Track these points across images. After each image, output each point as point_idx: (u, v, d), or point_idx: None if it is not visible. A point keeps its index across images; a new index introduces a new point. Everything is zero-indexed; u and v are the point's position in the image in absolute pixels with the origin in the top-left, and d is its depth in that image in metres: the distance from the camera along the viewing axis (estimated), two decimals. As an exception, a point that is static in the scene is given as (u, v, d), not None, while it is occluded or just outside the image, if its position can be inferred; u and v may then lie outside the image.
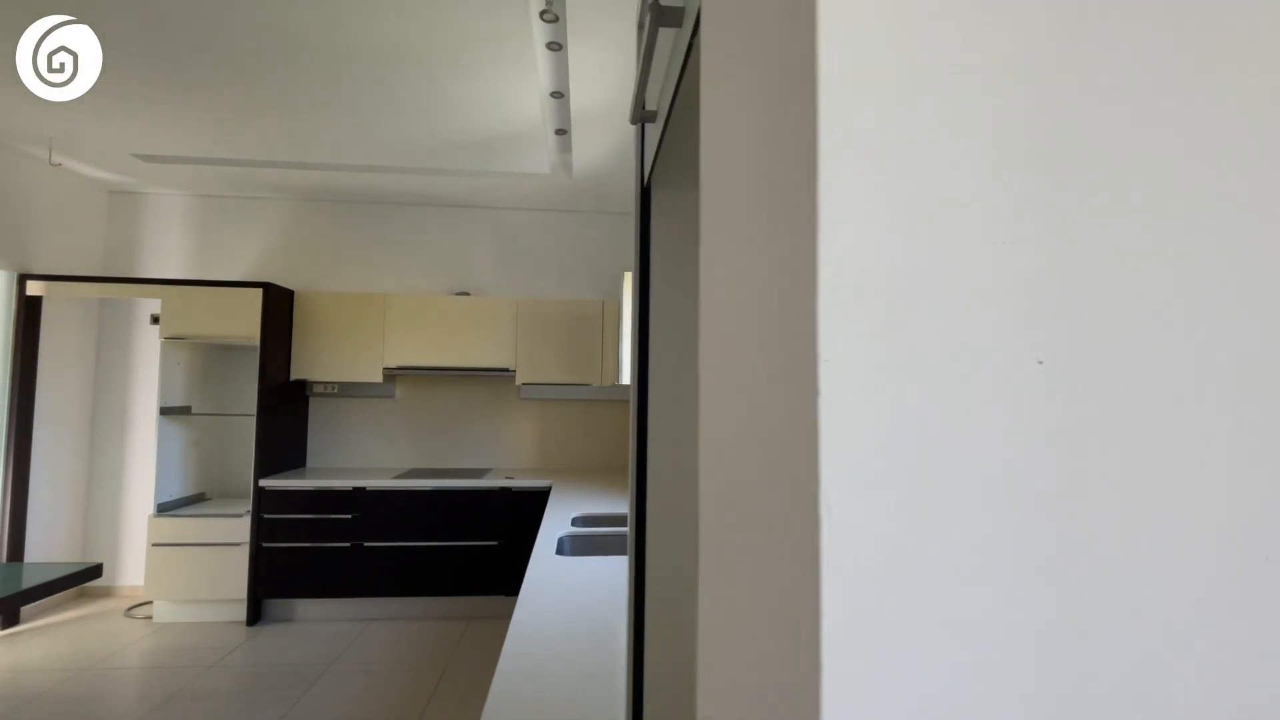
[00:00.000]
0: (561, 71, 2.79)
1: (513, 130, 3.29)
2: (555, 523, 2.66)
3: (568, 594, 1.71)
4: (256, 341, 3.79)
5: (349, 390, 4.32)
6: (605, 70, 2.58)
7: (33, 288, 3.66)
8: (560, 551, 2.37)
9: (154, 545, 3.62)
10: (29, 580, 2.23)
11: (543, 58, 2.62)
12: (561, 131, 3.44)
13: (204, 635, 3.54)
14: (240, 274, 4.34)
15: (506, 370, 4.16)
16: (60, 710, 2.72)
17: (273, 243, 4.42)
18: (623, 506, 3.07)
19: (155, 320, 4.22)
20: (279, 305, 3.92)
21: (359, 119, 3.17)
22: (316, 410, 4.35)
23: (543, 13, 2.28)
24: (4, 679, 2.98)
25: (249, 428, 4.14)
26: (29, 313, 3.66)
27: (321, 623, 3.74)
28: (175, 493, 3.83)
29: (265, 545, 3.69)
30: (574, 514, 2.83)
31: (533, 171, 3.84)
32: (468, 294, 4.41)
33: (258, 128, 3.29)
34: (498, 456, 4.45)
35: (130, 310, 4.24)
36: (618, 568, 1.95)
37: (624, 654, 1.28)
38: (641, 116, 0.88)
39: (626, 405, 4.54)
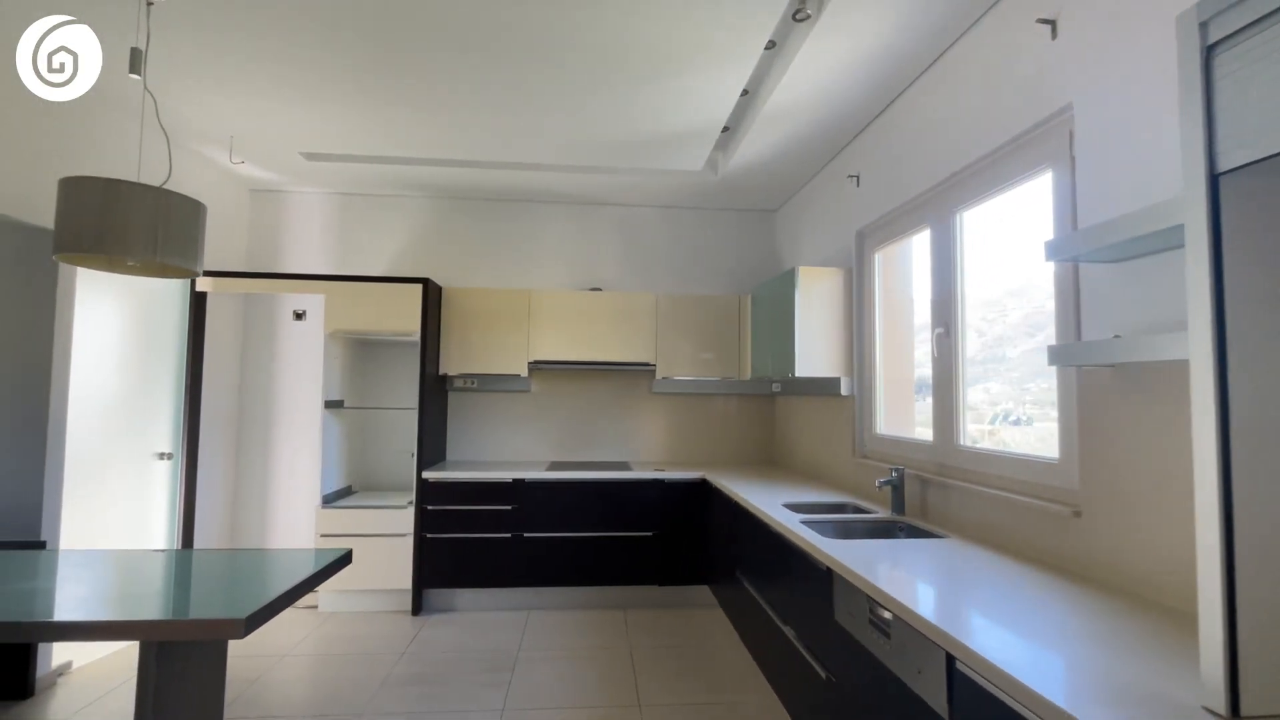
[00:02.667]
0: (761, 69, 2.87)
1: (687, 128, 3.36)
2: (768, 508, 2.71)
3: (950, 580, 1.77)
4: (413, 336, 3.86)
5: (487, 384, 4.39)
6: (830, 68, 2.64)
7: (201, 283, 3.73)
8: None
9: (322, 536, 3.68)
10: (284, 567, 2.28)
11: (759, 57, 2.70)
12: (727, 129, 3.52)
13: (375, 624, 3.60)
14: (379, 270, 4.41)
15: (647, 365, 4.23)
16: (288, 693, 2.79)
17: (410, 239, 4.49)
18: (820, 496, 3.14)
19: (299, 316, 4.30)
20: (433, 300, 3.99)
21: (533, 116, 3.23)
22: (456, 404, 4.42)
23: (796, 13, 2.36)
24: (212, 665, 3.04)
25: (393, 421, 4.22)
26: (197, 308, 3.72)
27: (484, 611, 3.80)
28: (331, 486, 3.89)
29: (429, 536, 3.76)
30: (781, 501, 2.90)
31: (684, 168, 3.92)
32: (599, 289, 4.48)
33: (429, 125, 3.34)
34: (632, 449, 4.52)
35: (273, 307, 4.30)
36: (936, 548, 2.03)
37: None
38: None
39: (761, 399, 4.62)
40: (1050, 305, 2.01)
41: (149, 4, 2.16)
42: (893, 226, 2.99)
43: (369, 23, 2.43)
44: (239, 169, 3.98)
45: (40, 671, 2.78)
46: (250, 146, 3.63)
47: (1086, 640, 1.30)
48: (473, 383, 4.36)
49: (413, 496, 3.79)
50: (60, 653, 2.91)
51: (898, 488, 2.61)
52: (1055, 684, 1.08)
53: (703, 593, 3.96)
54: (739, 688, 2.88)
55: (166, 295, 3.62)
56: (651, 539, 3.89)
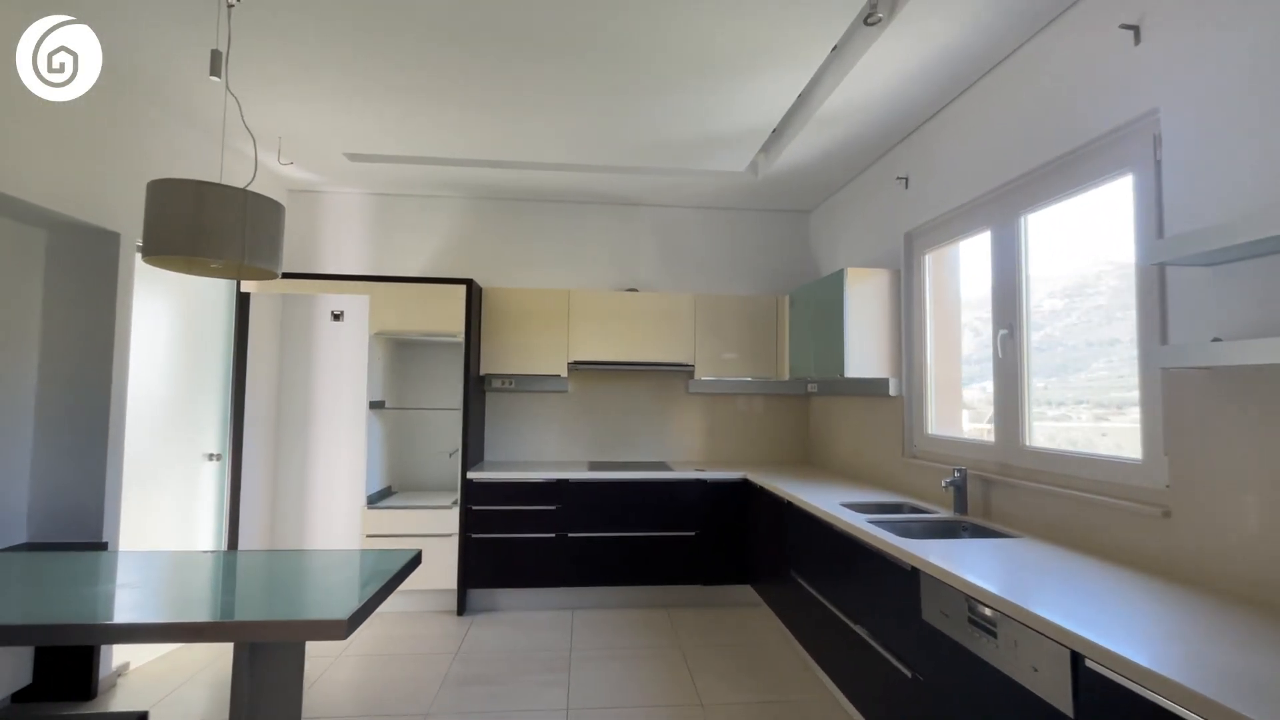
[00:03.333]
0: (818, 71, 2.88)
1: (738, 130, 3.37)
2: (830, 509, 2.73)
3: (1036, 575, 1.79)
4: (456, 337, 3.87)
5: (524, 384, 4.40)
6: (893, 71, 2.66)
7: (246, 284, 3.72)
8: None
9: (368, 536, 3.69)
10: (363, 568, 2.28)
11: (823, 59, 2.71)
12: (776, 131, 3.54)
13: (422, 625, 3.61)
14: (414, 270, 4.41)
15: (685, 365, 4.25)
16: (351, 694, 2.80)
17: (445, 239, 4.49)
18: (872, 496, 3.17)
19: (337, 317, 4.30)
20: (475, 300, 4.00)
21: (588, 118, 3.24)
22: (493, 404, 4.43)
23: (868, 17, 2.38)
24: (268, 666, 3.05)
25: (431, 421, 4.23)
26: (241, 309, 3.72)
27: (527, 611, 3.82)
28: (373, 486, 3.90)
29: (474, 536, 3.77)
30: (838, 501, 2.92)
31: (727, 170, 3.93)
32: (635, 290, 4.49)
33: (478, 127, 3.34)
34: (668, 449, 4.54)
35: (311, 307, 4.30)
36: (1014, 548, 2.06)
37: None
38: None
39: (795, 399, 4.64)
40: (1103, 303, 2.03)
41: (230, 6, 2.16)
42: (947, 229, 3.01)
43: (432, 26, 2.43)
44: (279, 169, 3.98)
45: (102, 673, 2.78)
46: (296, 147, 3.63)
47: (1203, 637, 1.32)
48: (510, 383, 4.37)
49: (456, 496, 3.80)
50: (119, 654, 2.91)
51: (960, 488, 2.63)
52: (1197, 681, 1.10)
53: (744, 592, 3.98)
54: (797, 686, 2.90)
55: (213, 296, 3.62)
56: (694, 538, 3.91)
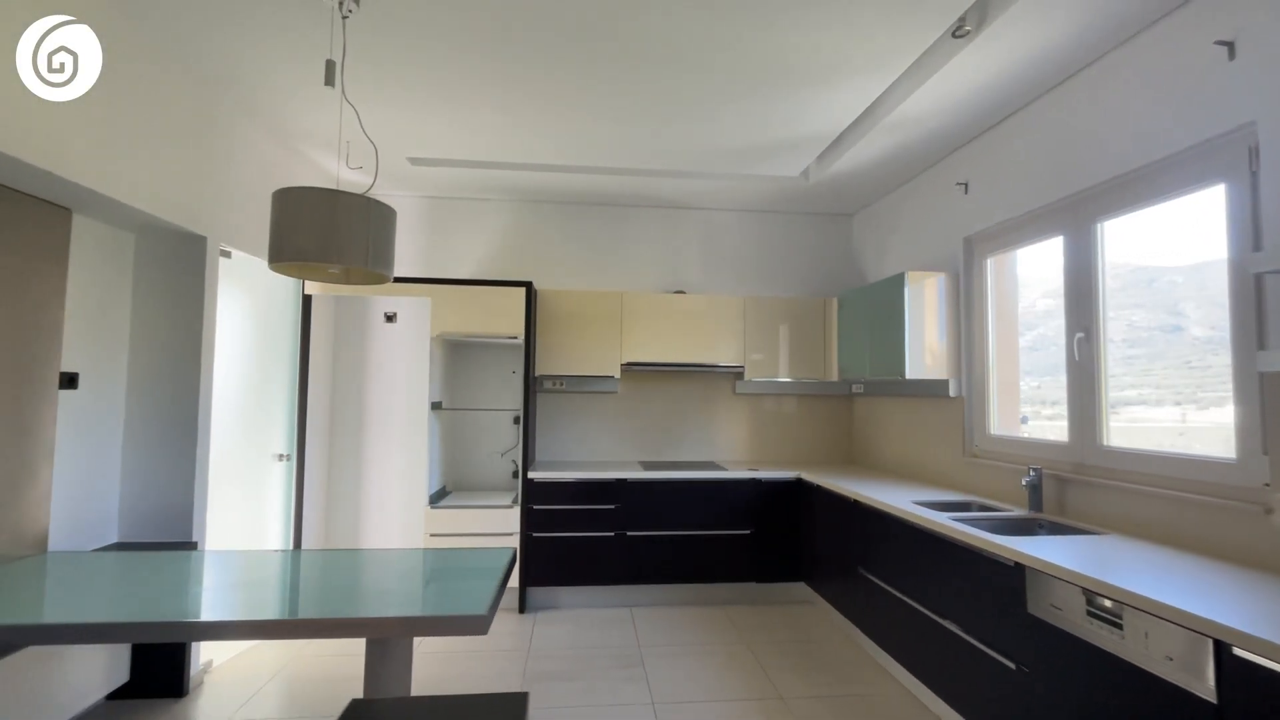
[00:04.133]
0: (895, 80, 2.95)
1: (802, 136, 3.44)
2: (908, 507, 2.80)
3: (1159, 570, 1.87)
4: (516, 338, 3.93)
5: (574, 385, 4.45)
6: (970, 81, 2.73)
7: (309, 285, 3.77)
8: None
9: (431, 535, 3.74)
10: (469, 565, 2.32)
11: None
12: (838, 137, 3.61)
13: (486, 622, 3.66)
14: (466, 272, 4.46)
15: (736, 367, 4.32)
16: (441, 688, 2.85)
17: (495, 243, 4.54)
18: (937, 494, 3.24)
19: (390, 319, 4.34)
20: (533, 303, 4.05)
21: (656, 125, 3.30)
22: (543, 404, 4.48)
23: (956, 30, 2.45)
24: (353, 665, 3.10)
25: (484, 422, 4.29)
26: (304, 311, 3.76)
27: (587, 609, 3.88)
28: (431, 486, 3.95)
29: (535, 535, 3.82)
30: (911, 499, 3.00)
31: (782, 174, 4.00)
32: (683, 292, 4.56)
33: (544, 132, 3.40)
34: (715, 449, 4.61)
35: (365, 309, 4.34)
36: (1110, 545, 2.14)
37: None
38: None
39: (838, 399, 4.71)
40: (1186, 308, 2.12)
41: (344, 17, 2.21)
42: (1015, 234, 3.09)
43: (514, 33, 2.47)
44: (333, 170, 4.02)
45: (191, 670, 2.83)
46: (356, 151, 3.67)
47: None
48: (560, 383, 4.43)
49: (516, 495, 3.85)
50: (205, 651, 2.96)
51: (1035, 486, 2.71)
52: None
53: (798, 589, 4.06)
54: (866, 679, 2.98)
55: (281, 298, 3.66)
56: (748, 537, 3.98)
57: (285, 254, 1.96)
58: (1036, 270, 3.13)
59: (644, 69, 2.73)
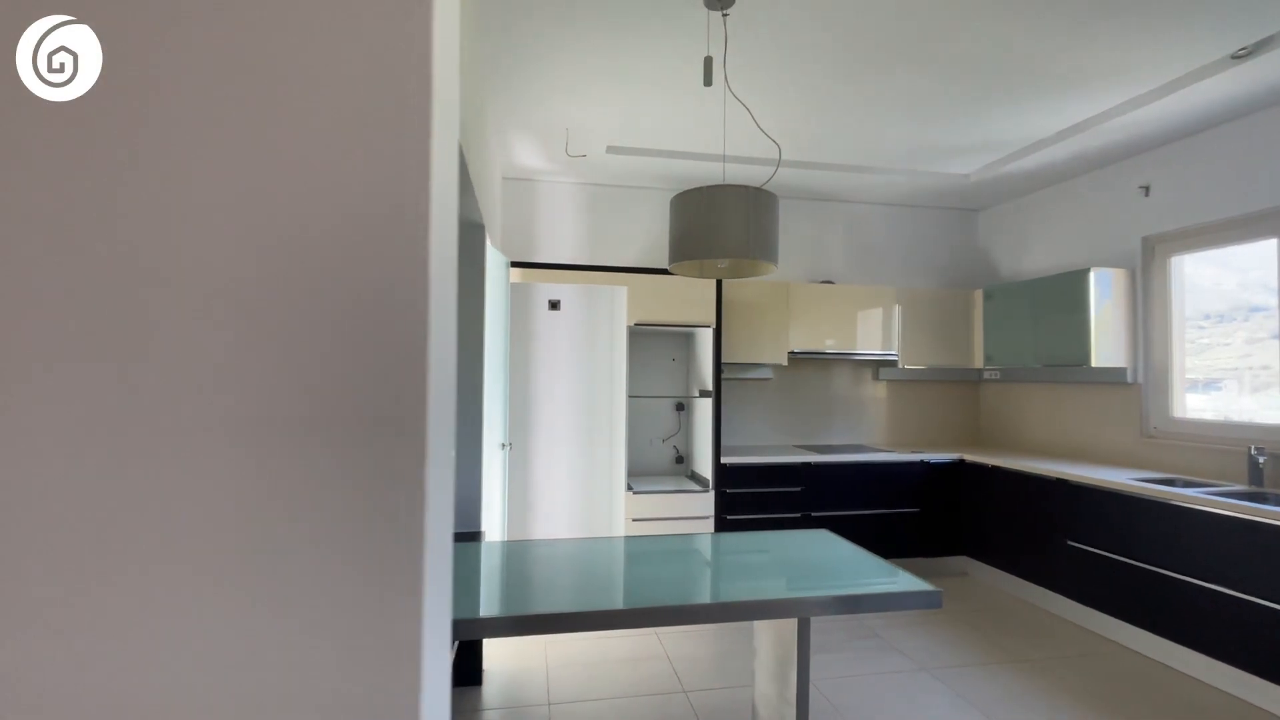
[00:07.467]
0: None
1: (1008, 138, 3.63)
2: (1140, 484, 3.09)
3: None
4: (708, 327, 4.02)
5: (733, 372, 4.57)
6: (1211, 94, 2.98)
7: (512, 274, 3.74)
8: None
9: (634, 520, 3.82)
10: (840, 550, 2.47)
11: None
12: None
13: (691, 602, 3.79)
14: (628, 260, 4.49)
15: (890, 355, 4.53)
16: (704, 668, 2.98)
17: (654, 231, 4.58)
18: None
19: (554, 306, 4.33)
20: (721, 292, 4.14)
21: (878, 125, 3.43)
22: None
23: (1235, 53, 2.67)
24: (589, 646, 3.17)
25: (647, 409, 4.37)
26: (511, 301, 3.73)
27: (776, 587, 4.05)
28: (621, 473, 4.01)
29: (729, 518, 3.96)
30: (1129, 477, 3.29)
31: (958, 173, 4.20)
32: (831, 282, 4.73)
33: (753, 124, 3.47)
34: (860, 433, 4.83)
35: (529, 297, 4.32)
36: None
37: None
38: None
39: (966, 385, 5.00)
40: None
41: (724, 15, 2.24)
42: (1211, 235, 3.39)
43: (784, 39, 2.56)
44: (512, 157, 3.98)
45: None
46: (575, 139, 3.65)
47: None
48: (724, 371, 4.54)
49: (708, 480, 3.97)
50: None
51: (1257, 464, 3.04)
52: None
53: (956, 562, 4.35)
54: (1082, 642, 3.28)
55: (493, 285, 3.62)
56: (917, 515, 4.24)
57: (682, 253, 2.02)
58: (1229, 273, 3.44)
59: (932, 70, 2.85)
